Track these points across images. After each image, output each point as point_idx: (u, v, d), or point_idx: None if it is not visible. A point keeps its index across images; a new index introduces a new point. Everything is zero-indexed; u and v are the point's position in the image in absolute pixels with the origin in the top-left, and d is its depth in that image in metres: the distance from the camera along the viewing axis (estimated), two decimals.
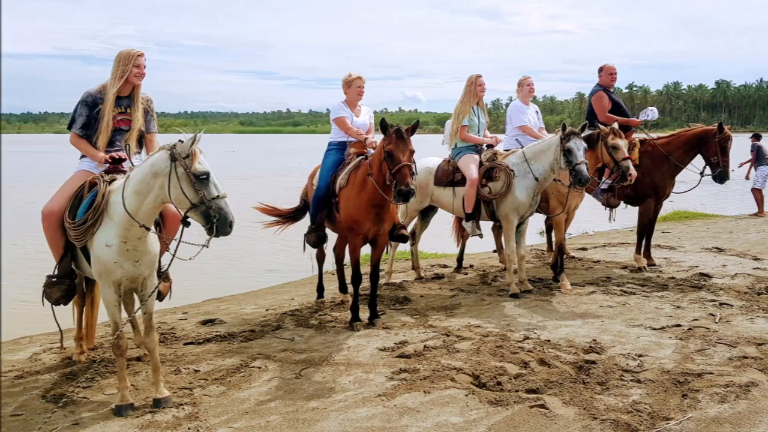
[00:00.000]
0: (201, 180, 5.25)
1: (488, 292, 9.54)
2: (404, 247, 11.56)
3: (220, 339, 7.81)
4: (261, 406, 5.84)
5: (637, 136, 10.65)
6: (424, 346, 7.18)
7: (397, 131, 7.23)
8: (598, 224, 15.74)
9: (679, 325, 7.59)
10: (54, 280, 6.32)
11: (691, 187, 10.69)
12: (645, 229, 10.67)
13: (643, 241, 10.75)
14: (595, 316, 8.10)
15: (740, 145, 17.96)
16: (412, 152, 7.27)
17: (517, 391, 5.93)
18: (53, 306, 6.45)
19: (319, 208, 8.43)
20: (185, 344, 7.67)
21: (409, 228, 10.38)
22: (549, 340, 7.25)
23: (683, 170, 10.48)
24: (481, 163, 9.30)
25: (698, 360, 6.52)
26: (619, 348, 6.93)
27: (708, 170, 10.32)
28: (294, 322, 8.41)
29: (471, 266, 11.26)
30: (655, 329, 7.52)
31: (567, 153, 8.45)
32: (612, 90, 10.87)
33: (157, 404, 5.82)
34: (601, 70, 10.84)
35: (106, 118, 6.28)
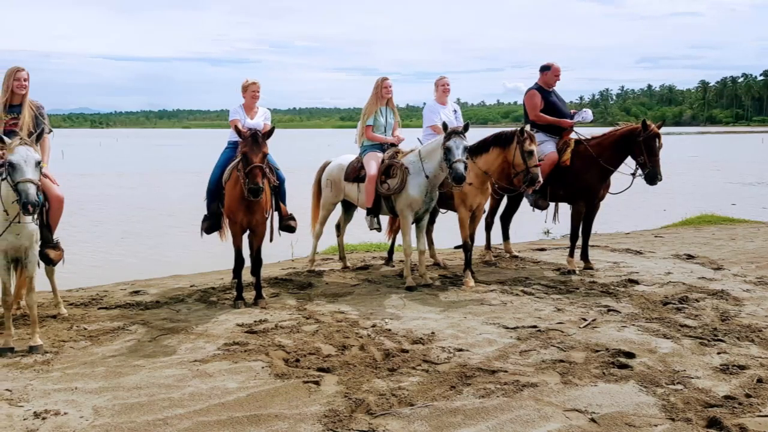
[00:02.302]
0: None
1: (390, 284, 9.91)
2: (374, 239, 12.40)
3: (128, 306, 8.84)
4: (102, 358, 6.83)
5: (574, 135, 10.73)
6: (275, 326, 7.80)
7: (253, 135, 8.01)
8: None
9: (535, 327, 7.72)
10: None
11: (624, 188, 10.51)
12: (577, 232, 10.63)
13: (578, 244, 10.76)
14: (464, 313, 8.33)
15: None
16: (265, 155, 8.04)
17: (309, 368, 6.43)
18: None
19: (211, 199, 9.24)
20: (99, 308, 8.77)
21: (335, 221, 11.17)
22: (390, 329, 7.62)
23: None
24: (383, 161, 9.72)
25: (511, 359, 6.70)
26: (449, 341, 7.21)
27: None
28: (197, 298, 9.22)
29: (401, 261, 11.55)
30: (507, 328, 7.68)
31: (447, 151, 8.77)
32: (552, 90, 10.90)
33: (31, 350, 7.00)
34: (547, 68, 10.85)
35: None
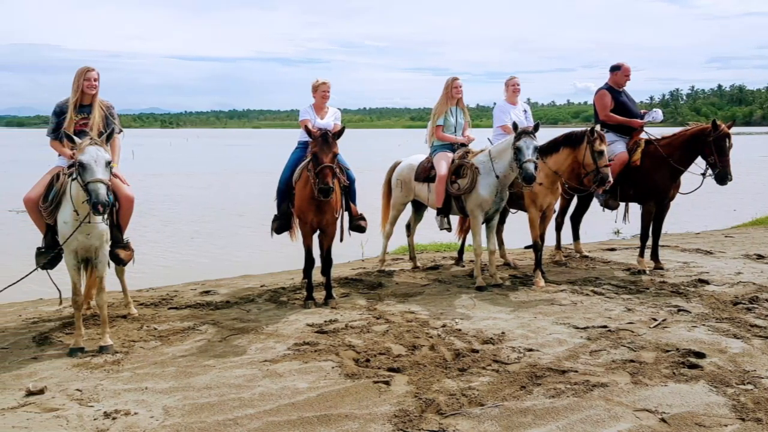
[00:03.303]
0: None
1: (461, 284, 9.96)
2: (444, 239, 12.61)
3: (198, 306, 8.99)
4: (172, 358, 6.93)
5: (644, 135, 10.65)
6: (345, 326, 7.90)
7: (323, 135, 8.08)
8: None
9: (605, 327, 7.71)
10: (42, 250, 7.71)
11: (694, 188, 10.35)
12: (647, 231, 10.56)
13: (648, 244, 10.67)
14: (534, 313, 8.35)
15: None
16: (335, 155, 8.12)
17: (379, 368, 6.50)
18: (47, 271, 7.73)
19: (282, 199, 9.35)
20: (169, 308, 8.95)
21: (405, 221, 11.30)
22: (460, 329, 7.68)
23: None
24: (453, 161, 9.74)
25: (582, 359, 6.71)
26: (519, 341, 7.25)
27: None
28: (267, 298, 9.38)
29: (472, 261, 11.51)
30: (577, 328, 7.69)
31: (517, 151, 8.82)
32: (622, 90, 10.85)
33: (101, 350, 7.13)
34: (617, 68, 10.81)
35: (67, 122, 7.67)
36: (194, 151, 71.52)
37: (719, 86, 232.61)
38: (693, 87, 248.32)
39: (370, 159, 30.54)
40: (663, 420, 5.36)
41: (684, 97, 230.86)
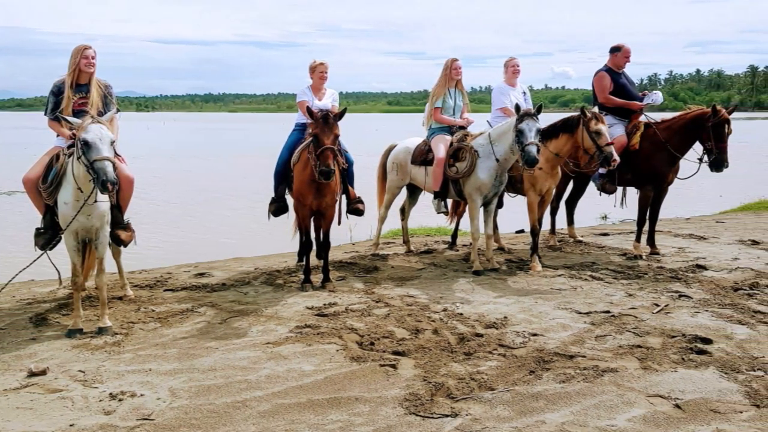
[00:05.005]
0: None
1: (457, 268, 9.85)
2: (434, 222, 12.47)
3: (194, 288, 8.88)
4: (173, 340, 6.84)
5: (647, 116, 10.59)
6: (345, 309, 7.81)
7: (324, 117, 7.90)
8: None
9: (608, 312, 7.63)
10: (41, 231, 7.58)
11: (690, 174, 10.16)
12: (644, 216, 10.47)
13: (645, 229, 10.59)
14: (534, 297, 8.27)
15: None
16: (337, 136, 7.94)
17: (384, 351, 6.40)
18: (47, 252, 7.53)
19: (279, 181, 9.20)
20: (165, 290, 8.83)
21: (399, 205, 11.13)
22: (462, 314, 7.58)
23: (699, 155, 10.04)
24: (451, 144, 9.61)
25: (587, 344, 6.63)
26: (522, 326, 7.15)
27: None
28: (263, 281, 9.24)
29: (465, 245, 11.42)
30: (579, 313, 7.60)
31: (519, 134, 8.67)
32: (621, 72, 10.72)
33: (100, 331, 7.07)
34: (617, 49, 10.66)
35: (65, 102, 7.53)
36: (173, 135, 70.93)
37: (698, 71, 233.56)
38: (671, 72, 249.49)
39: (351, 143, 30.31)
40: (677, 406, 5.28)
41: (662, 82, 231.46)
